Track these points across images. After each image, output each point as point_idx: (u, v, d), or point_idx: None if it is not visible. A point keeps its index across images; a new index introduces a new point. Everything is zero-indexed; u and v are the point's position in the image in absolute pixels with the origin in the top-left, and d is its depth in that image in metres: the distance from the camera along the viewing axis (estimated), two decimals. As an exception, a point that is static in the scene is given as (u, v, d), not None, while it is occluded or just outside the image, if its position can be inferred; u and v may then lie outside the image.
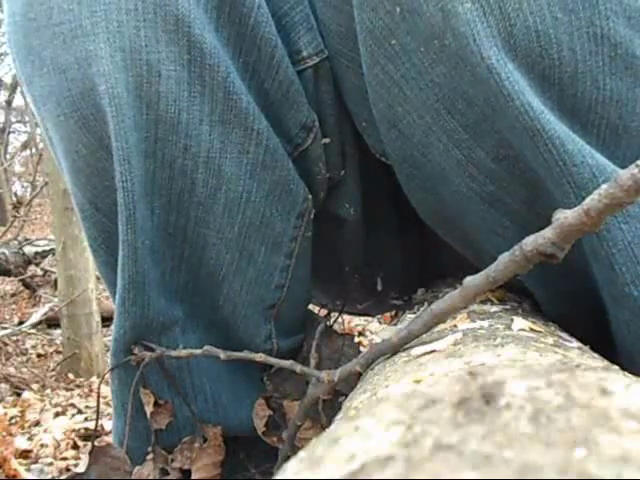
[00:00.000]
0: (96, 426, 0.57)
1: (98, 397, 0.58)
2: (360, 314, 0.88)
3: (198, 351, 0.51)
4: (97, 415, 0.58)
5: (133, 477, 0.53)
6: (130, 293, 0.50)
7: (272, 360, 0.50)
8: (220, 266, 0.53)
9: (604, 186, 0.30)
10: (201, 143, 0.49)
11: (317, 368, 0.49)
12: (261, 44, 0.52)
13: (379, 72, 0.47)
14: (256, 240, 0.55)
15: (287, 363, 0.49)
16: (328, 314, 0.66)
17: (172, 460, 0.54)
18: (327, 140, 0.59)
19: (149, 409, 0.53)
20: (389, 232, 0.69)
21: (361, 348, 0.60)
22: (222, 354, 0.50)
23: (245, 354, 0.51)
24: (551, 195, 0.44)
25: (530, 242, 0.33)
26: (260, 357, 0.50)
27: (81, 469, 0.54)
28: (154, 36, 0.46)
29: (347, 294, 0.74)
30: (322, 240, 0.60)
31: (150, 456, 0.54)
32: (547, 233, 0.32)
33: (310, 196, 0.58)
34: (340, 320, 0.74)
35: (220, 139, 0.50)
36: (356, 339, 0.62)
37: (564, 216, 0.31)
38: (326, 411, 0.49)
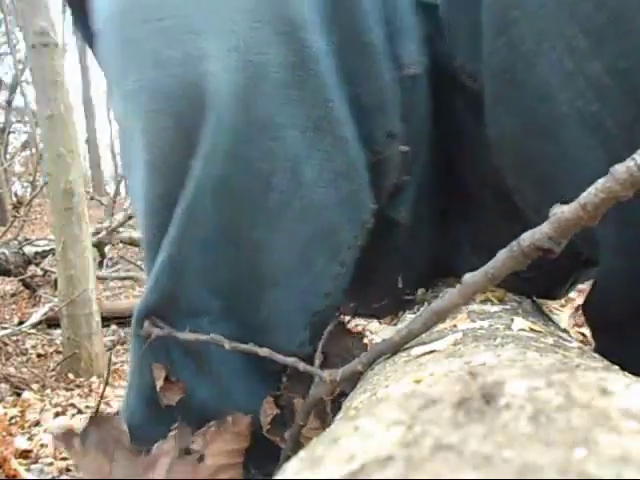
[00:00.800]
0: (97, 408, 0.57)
1: (102, 392, 0.58)
2: (369, 316, 0.88)
3: (204, 337, 0.51)
4: (97, 407, 0.58)
5: (153, 452, 0.52)
6: (166, 269, 0.49)
7: (276, 356, 0.50)
8: (278, 271, 0.53)
9: (600, 180, 0.30)
10: (287, 147, 0.48)
11: (323, 367, 0.49)
12: (366, 50, 0.51)
13: None
14: (319, 248, 0.54)
15: (290, 360, 0.49)
16: (341, 313, 0.65)
17: (192, 442, 0.53)
18: (406, 148, 0.58)
19: (159, 384, 0.53)
20: (420, 234, 0.69)
21: (367, 344, 0.60)
22: (227, 344, 0.50)
23: (250, 346, 0.51)
24: None
25: (527, 237, 0.33)
26: (264, 351, 0.50)
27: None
28: (266, 37, 0.45)
29: (366, 294, 0.73)
30: (366, 244, 0.60)
31: (173, 432, 0.54)
32: (544, 228, 0.32)
33: (374, 206, 0.57)
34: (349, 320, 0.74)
35: (307, 145, 0.49)
36: (363, 338, 0.62)
37: (561, 211, 0.32)
38: (333, 411, 0.49)
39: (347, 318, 0.69)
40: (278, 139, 0.48)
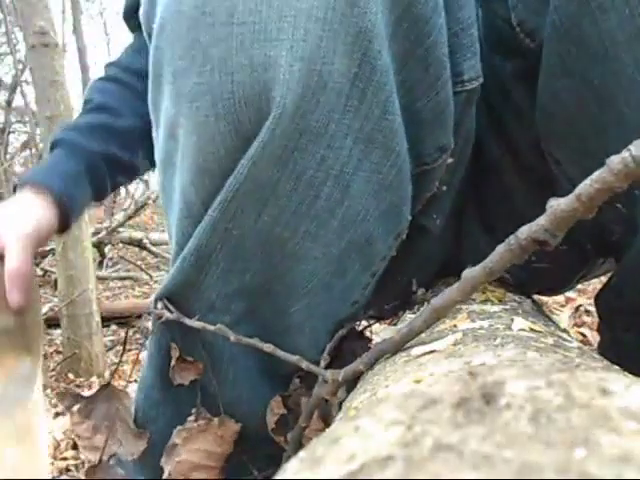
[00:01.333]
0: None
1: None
2: (377, 318, 0.88)
3: (211, 327, 0.51)
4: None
5: (173, 435, 0.52)
6: (192, 257, 0.49)
7: (280, 352, 0.50)
8: (311, 279, 0.52)
9: (597, 171, 0.30)
10: (339, 157, 0.48)
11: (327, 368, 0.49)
12: (431, 64, 0.51)
13: None
14: (355, 258, 0.54)
15: (294, 358, 0.48)
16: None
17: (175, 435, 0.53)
18: (451, 160, 0.58)
19: (173, 362, 0.53)
20: (439, 237, 0.68)
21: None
22: (232, 336, 0.50)
23: (255, 341, 0.51)
24: None
25: (525, 230, 0.33)
26: (269, 347, 0.50)
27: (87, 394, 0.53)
28: (333, 47, 0.44)
29: (379, 296, 0.73)
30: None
31: (192, 417, 0.53)
32: (541, 220, 0.32)
33: (410, 217, 0.57)
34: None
35: (359, 156, 0.49)
36: (371, 341, 0.62)
37: (557, 203, 0.32)
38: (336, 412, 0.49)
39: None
40: (331, 148, 0.47)
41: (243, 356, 0.55)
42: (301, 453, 0.17)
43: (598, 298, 0.60)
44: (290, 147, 0.46)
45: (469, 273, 0.36)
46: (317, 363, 0.52)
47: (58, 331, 3.21)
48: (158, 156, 0.54)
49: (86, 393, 0.54)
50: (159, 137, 0.52)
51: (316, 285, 0.53)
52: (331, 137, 0.47)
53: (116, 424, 0.52)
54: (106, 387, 0.53)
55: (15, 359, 0.58)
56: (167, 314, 0.52)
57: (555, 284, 0.72)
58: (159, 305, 0.52)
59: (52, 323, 3.45)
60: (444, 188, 0.61)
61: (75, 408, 0.52)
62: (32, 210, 0.61)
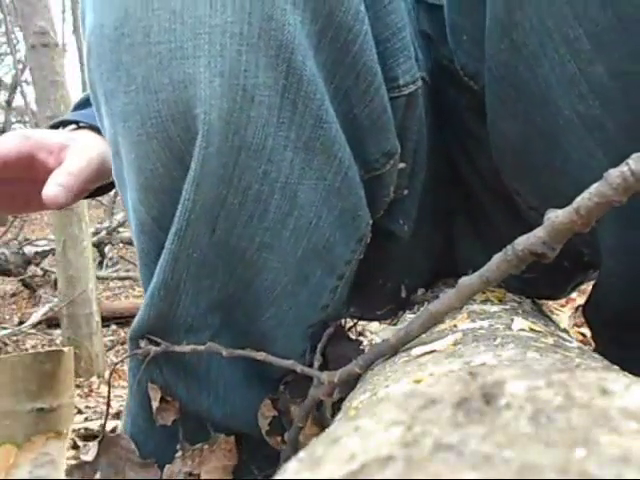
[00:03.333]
0: (105, 422, 0.57)
1: (109, 392, 0.58)
2: (372, 319, 0.88)
3: (201, 347, 0.51)
4: (107, 411, 0.58)
5: (164, 475, 0.53)
6: (161, 292, 0.49)
7: (272, 359, 0.50)
8: (274, 288, 0.53)
9: (594, 185, 0.30)
10: (281, 169, 0.48)
11: (321, 370, 0.49)
12: (361, 71, 0.51)
13: None
14: (315, 264, 0.54)
15: (288, 362, 0.49)
16: (342, 318, 0.65)
17: (183, 465, 0.54)
18: (403, 165, 0.59)
19: (155, 404, 0.53)
20: (420, 241, 0.69)
21: (365, 350, 0.60)
22: (224, 351, 0.50)
23: (247, 352, 0.51)
24: None
25: (522, 242, 0.33)
26: (261, 355, 0.50)
27: (89, 458, 0.54)
28: (254, 61, 0.44)
29: (368, 302, 0.74)
30: (364, 255, 0.60)
31: (179, 454, 0.54)
32: (538, 232, 0.32)
33: (371, 221, 0.57)
34: (349, 322, 0.74)
35: (301, 165, 0.50)
36: (362, 344, 0.62)
37: (555, 215, 0.32)
38: (332, 414, 0.49)
39: (347, 321, 0.69)
40: (272, 162, 0.48)
41: (229, 368, 0.55)
42: (301, 453, 0.17)
43: (584, 310, 0.60)
44: (230, 164, 0.46)
45: (465, 281, 0.36)
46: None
47: (58, 331, 3.21)
48: (113, 173, 0.54)
49: (87, 457, 0.54)
50: (112, 157, 0.53)
51: (280, 293, 0.53)
52: (270, 151, 0.47)
53: (122, 466, 0.53)
54: (102, 441, 0.54)
55: (45, 441, 0.58)
56: (154, 349, 0.52)
57: (550, 292, 0.73)
58: (142, 343, 0.52)
59: (52, 323, 3.46)
60: (405, 192, 0.62)
61: (82, 474, 0.53)
62: (104, 145, 0.61)
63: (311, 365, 0.53)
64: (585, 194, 0.30)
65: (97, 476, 0.52)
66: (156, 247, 0.50)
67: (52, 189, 0.57)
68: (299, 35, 0.46)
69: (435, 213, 0.69)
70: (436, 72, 0.61)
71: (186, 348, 0.51)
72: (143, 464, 0.54)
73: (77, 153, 0.61)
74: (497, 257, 0.35)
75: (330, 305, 0.57)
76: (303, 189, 0.50)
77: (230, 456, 0.55)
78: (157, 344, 0.52)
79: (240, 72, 0.44)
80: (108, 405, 0.58)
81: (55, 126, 0.70)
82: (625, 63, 0.43)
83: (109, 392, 0.60)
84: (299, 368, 0.48)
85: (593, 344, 0.61)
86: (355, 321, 0.75)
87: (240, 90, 0.44)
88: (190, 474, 0.54)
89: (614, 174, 0.29)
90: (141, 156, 0.47)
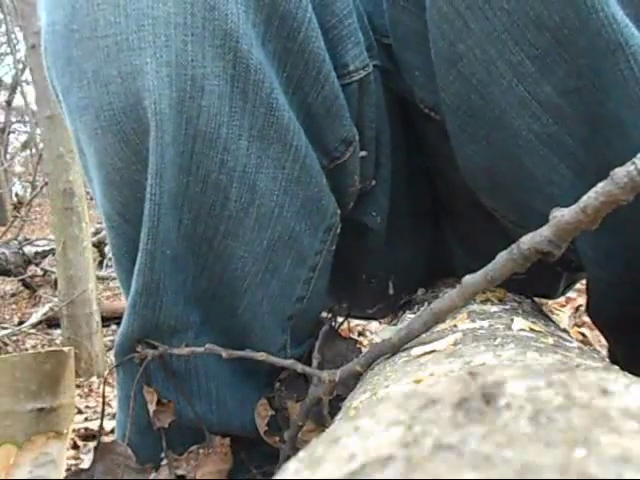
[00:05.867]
0: (101, 425, 0.57)
1: (103, 395, 0.58)
2: (366, 318, 0.88)
3: (200, 349, 0.51)
4: (102, 413, 0.58)
5: (183, 467, 0.53)
6: (142, 297, 0.50)
7: (273, 359, 0.50)
8: (244, 278, 0.53)
9: (600, 184, 0.30)
10: (238, 158, 0.49)
11: (319, 369, 0.49)
12: (309, 59, 0.51)
13: (443, 4, 0.46)
14: (283, 254, 0.54)
15: (288, 362, 0.49)
16: (334, 316, 0.66)
17: (176, 467, 0.54)
18: (364, 153, 0.59)
19: (152, 407, 0.53)
20: (405, 237, 0.69)
21: (361, 349, 0.60)
22: (224, 352, 0.50)
23: (247, 352, 0.51)
24: (612, 130, 0.44)
25: (527, 240, 0.33)
26: (262, 356, 0.50)
27: (86, 465, 0.54)
28: (201, 51, 0.45)
29: (357, 299, 0.74)
30: (341, 248, 0.60)
31: (165, 461, 0.54)
32: (544, 231, 0.32)
33: (339, 211, 0.58)
34: (346, 321, 0.74)
35: (257, 154, 0.50)
36: (357, 343, 0.62)
37: (561, 214, 0.32)
38: (331, 413, 0.49)
39: (340, 319, 0.70)
40: (228, 151, 0.48)
41: (219, 368, 0.55)
42: (301, 453, 0.17)
43: (588, 312, 0.61)
44: (187, 153, 0.47)
45: (470, 279, 0.36)
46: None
47: (58, 331, 3.21)
48: (83, 172, 0.55)
49: (85, 465, 0.54)
50: (77, 152, 0.53)
51: (251, 283, 0.54)
52: (225, 140, 0.48)
53: (118, 471, 0.53)
54: (98, 447, 0.54)
55: (45, 441, 0.59)
56: (151, 352, 0.52)
57: (544, 291, 0.73)
58: (139, 348, 0.52)
59: (52, 323, 3.46)
60: (373, 183, 0.62)
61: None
62: None
63: (304, 362, 0.53)
64: (591, 193, 0.30)
65: None
66: (125, 241, 0.51)
67: None
68: (243, 24, 0.46)
69: (418, 209, 0.69)
70: (400, 103, 0.62)
71: (184, 350, 0.52)
72: (140, 470, 0.54)
73: None
74: (502, 255, 0.35)
75: (306, 297, 0.57)
76: (262, 178, 0.51)
77: (225, 459, 0.55)
78: (154, 347, 0.52)
79: (187, 62, 0.45)
80: (103, 405, 0.58)
81: None
82: (570, 80, 0.44)
83: (103, 392, 0.60)
84: (299, 367, 0.48)
85: (598, 337, 0.61)
86: (345, 319, 0.75)
87: (189, 80, 0.45)
88: (185, 477, 0.54)
89: (620, 173, 0.29)
90: (100, 151, 0.48)
